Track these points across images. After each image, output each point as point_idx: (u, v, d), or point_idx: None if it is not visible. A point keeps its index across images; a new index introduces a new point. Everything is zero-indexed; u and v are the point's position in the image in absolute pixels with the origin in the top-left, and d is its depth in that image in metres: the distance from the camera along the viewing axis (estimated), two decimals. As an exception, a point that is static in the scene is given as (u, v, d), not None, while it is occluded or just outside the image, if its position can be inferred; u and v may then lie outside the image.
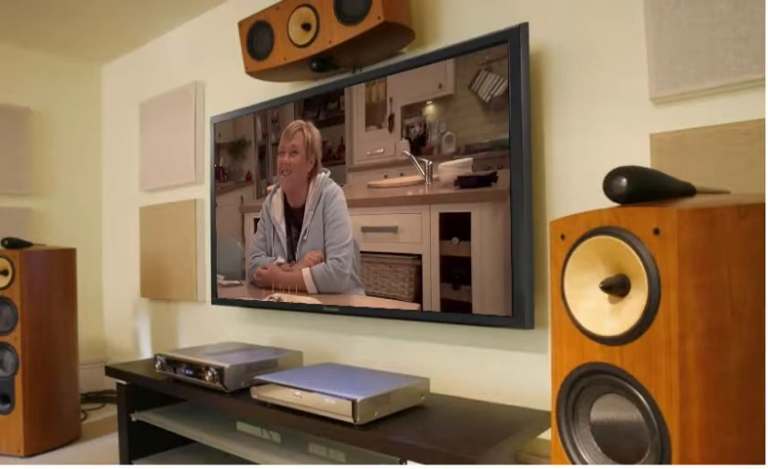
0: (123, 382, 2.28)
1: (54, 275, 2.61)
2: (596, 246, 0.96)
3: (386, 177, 1.99)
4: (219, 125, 2.60)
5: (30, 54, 3.45)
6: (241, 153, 2.47)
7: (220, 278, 2.43)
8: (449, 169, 1.83)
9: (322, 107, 2.15)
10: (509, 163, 1.68)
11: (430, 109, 1.88)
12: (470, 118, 1.78)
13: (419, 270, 1.89)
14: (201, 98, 2.97)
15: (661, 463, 0.87)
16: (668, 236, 0.87)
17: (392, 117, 1.98)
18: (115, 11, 2.94)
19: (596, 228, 0.96)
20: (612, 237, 0.94)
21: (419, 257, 1.89)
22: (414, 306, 1.89)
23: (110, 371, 2.33)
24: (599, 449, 0.97)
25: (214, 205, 2.61)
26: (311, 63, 2.14)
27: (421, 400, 1.69)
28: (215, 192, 2.61)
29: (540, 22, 1.78)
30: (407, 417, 1.58)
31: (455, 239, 1.81)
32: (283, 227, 2.24)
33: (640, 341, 0.90)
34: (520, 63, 1.65)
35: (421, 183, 1.90)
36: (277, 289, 2.22)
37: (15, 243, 2.59)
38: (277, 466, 1.70)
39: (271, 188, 2.32)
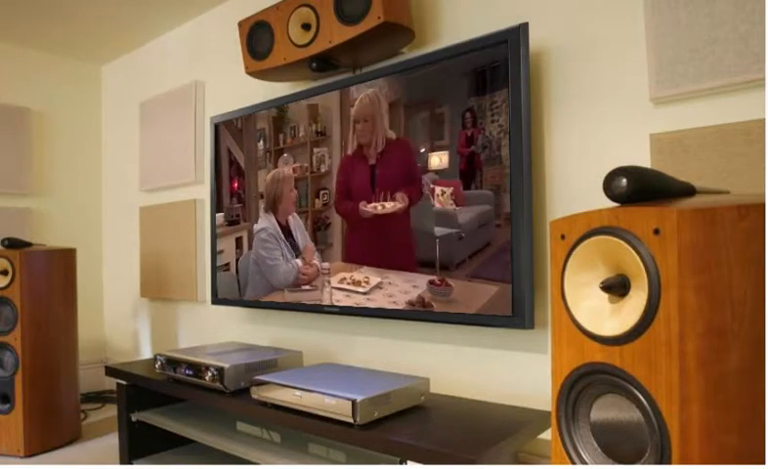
0: (123, 382, 2.28)
1: (54, 275, 2.61)
2: (596, 246, 0.96)
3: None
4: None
5: (30, 54, 3.45)
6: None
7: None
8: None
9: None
10: (509, 163, 1.68)
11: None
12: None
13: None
14: (201, 98, 2.97)
15: (661, 463, 0.87)
16: (668, 236, 0.87)
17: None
18: (115, 11, 2.94)
19: (596, 228, 0.96)
20: (612, 237, 0.94)
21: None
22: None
23: (110, 371, 2.33)
24: (599, 449, 0.97)
25: (214, 205, 2.61)
26: (311, 63, 2.14)
27: (421, 400, 1.69)
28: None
29: (540, 22, 1.78)
30: (407, 417, 1.58)
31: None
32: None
33: (640, 341, 0.90)
34: (520, 64, 1.65)
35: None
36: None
37: (15, 243, 2.59)
38: (277, 466, 1.70)
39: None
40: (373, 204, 1.98)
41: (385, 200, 1.93)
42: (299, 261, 2.24)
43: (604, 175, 1.58)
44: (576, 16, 1.70)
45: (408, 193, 1.89)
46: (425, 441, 1.37)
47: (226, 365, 1.88)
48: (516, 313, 1.66)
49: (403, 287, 1.91)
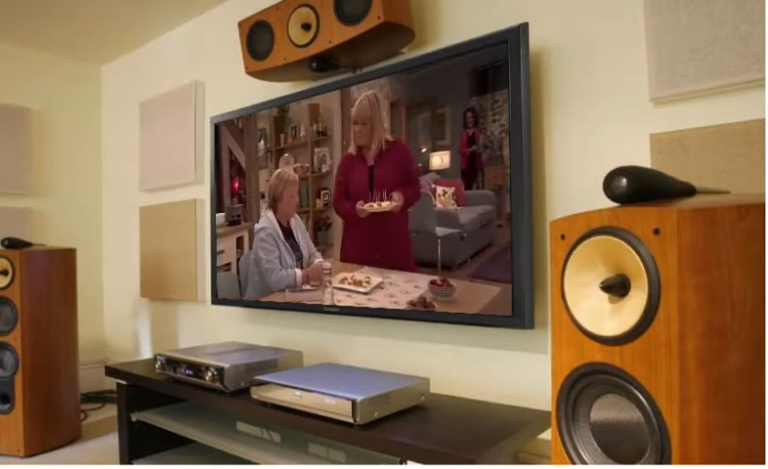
0: (123, 382, 2.28)
1: (54, 275, 2.61)
2: (596, 246, 0.96)
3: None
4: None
5: (30, 54, 3.45)
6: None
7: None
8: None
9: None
10: (509, 163, 1.68)
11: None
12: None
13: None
14: (201, 98, 2.97)
15: (661, 463, 0.87)
16: (668, 236, 0.87)
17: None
18: (115, 11, 2.94)
19: (596, 228, 0.96)
20: (612, 237, 0.94)
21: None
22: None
23: (110, 371, 2.33)
24: (599, 449, 0.97)
25: (214, 205, 2.61)
26: (311, 63, 2.14)
27: (421, 400, 1.69)
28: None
29: (540, 22, 1.78)
30: (407, 417, 1.58)
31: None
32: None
33: (640, 341, 0.90)
34: (520, 64, 1.65)
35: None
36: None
37: (15, 243, 2.59)
38: (277, 466, 1.70)
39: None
40: (369, 203, 1.98)
41: (381, 200, 1.94)
42: (298, 271, 2.23)
43: (604, 175, 1.58)
44: (576, 16, 1.70)
45: (405, 193, 1.89)
46: (425, 441, 1.37)
47: (226, 365, 1.88)
48: (516, 313, 1.66)
49: (404, 287, 1.91)
